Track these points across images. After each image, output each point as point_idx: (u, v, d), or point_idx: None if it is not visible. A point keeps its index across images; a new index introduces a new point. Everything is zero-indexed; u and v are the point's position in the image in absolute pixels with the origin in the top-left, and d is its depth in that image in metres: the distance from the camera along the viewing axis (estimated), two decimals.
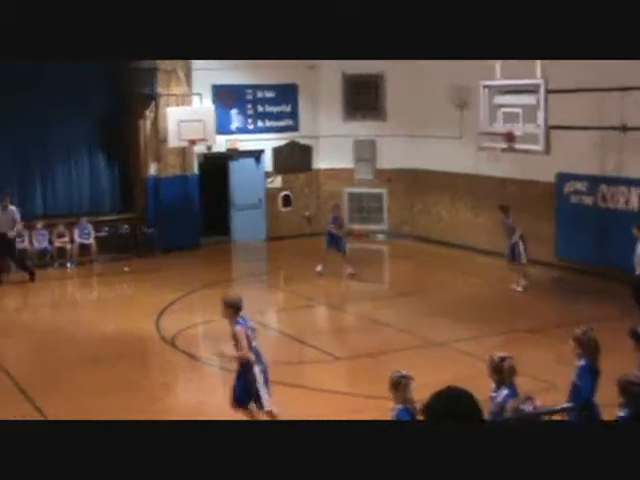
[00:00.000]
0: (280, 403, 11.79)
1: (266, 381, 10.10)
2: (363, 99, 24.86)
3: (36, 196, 22.86)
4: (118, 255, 22.06)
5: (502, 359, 8.16)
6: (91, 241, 22.02)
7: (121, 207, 23.82)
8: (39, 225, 21.74)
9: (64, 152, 23.05)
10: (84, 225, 22.08)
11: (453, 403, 4.03)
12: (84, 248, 21.92)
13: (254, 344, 9.87)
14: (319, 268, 19.55)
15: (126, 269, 20.89)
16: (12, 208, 19.70)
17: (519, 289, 17.76)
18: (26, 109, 21.81)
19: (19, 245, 21.05)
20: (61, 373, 13.18)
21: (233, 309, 9.76)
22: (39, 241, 21.63)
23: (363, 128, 24.55)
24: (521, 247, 17.66)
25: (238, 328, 9.62)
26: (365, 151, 24.87)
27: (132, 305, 17.69)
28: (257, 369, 9.90)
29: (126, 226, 23.08)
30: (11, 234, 19.77)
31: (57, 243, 21.80)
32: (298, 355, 14.50)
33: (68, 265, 21.66)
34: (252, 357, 9.80)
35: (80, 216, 22.33)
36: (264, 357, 10.09)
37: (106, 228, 22.77)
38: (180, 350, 14.46)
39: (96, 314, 17.27)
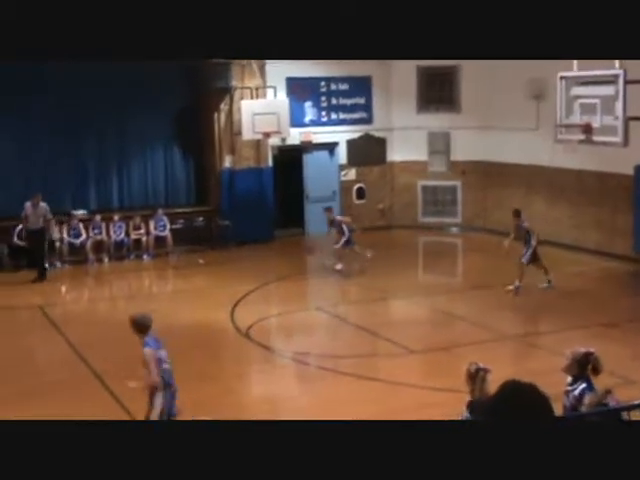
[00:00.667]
0: (355, 396, 11.85)
1: (171, 407, 9.12)
2: (437, 91, 24.73)
3: (113, 189, 23.24)
4: (193, 247, 22.30)
5: (587, 354, 8.01)
6: (166, 233, 22.29)
7: (196, 200, 24.09)
8: (116, 217, 22.07)
9: (141, 145, 23.40)
10: (160, 217, 22.36)
11: (517, 397, 4.00)
12: (160, 240, 22.21)
13: (165, 366, 9.00)
14: (339, 266, 19.71)
15: (201, 261, 21.11)
16: (43, 205, 19.84)
17: (510, 287, 17.19)
18: (105, 103, 22.18)
19: (97, 236, 21.50)
20: (137, 364, 13.38)
21: (138, 328, 8.97)
22: (116, 233, 21.97)
23: (437, 120, 24.42)
24: (531, 249, 17.35)
25: (146, 350, 8.80)
26: (439, 143, 24.74)
27: (207, 297, 17.87)
28: (159, 401, 8.97)
29: (201, 218, 23.32)
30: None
31: (133, 235, 22.12)
32: (372, 348, 14.51)
33: (144, 257, 21.97)
34: (159, 383, 8.90)
35: (156, 208, 22.63)
36: (174, 380, 9.24)
37: (181, 220, 23.03)
38: (254, 342, 14.58)
39: (171, 305, 17.48)
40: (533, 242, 17.41)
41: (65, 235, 21.38)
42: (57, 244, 21.20)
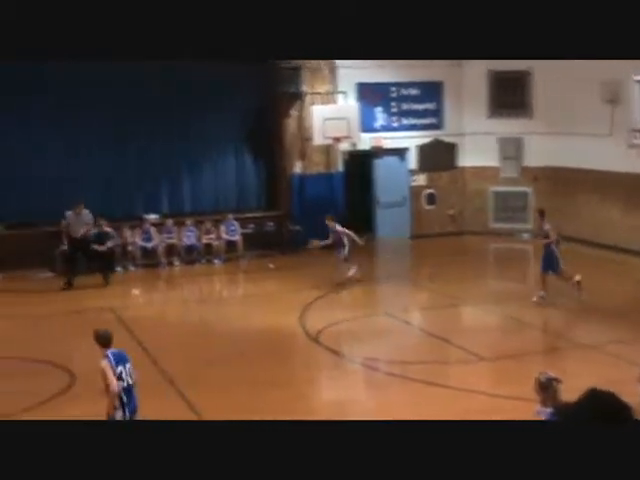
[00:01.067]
0: (422, 401, 11.76)
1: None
2: (509, 96, 24.48)
3: (184, 193, 23.46)
4: (263, 252, 22.40)
5: None
6: (237, 238, 22.42)
7: (266, 204, 24.20)
8: (187, 222, 22.27)
9: (211, 149, 23.59)
10: (230, 222, 22.51)
11: (599, 405, 3.92)
12: (230, 245, 22.36)
13: (124, 383, 8.76)
14: (352, 271, 19.09)
15: (271, 266, 21.19)
16: (86, 212, 19.94)
17: (534, 299, 16.67)
18: (177, 106, 22.44)
19: (169, 240, 21.74)
20: (208, 367, 13.48)
21: (99, 342, 8.96)
22: (187, 237, 22.17)
23: (508, 125, 24.19)
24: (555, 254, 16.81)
25: (103, 364, 8.75)
26: (510, 149, 24.49)
27: (277, 301, 17.92)
28: (118, 416, 8.75)
29: (271, 223, 23.42)
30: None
31: (204, 240, 22.29)
32: (441, 355, 14.39)
33: (215, 261, 22.13)
34: (116, 401, 8.70)
35: (226, 213, 22.78)
36: (135, 398, 8.98)
37: (252, 225, 23.16)
38: (324, 346, 14.57)
39: (242, 310, 17.59)
40: (554, 248, 16.79)
41: (137, 239, 21.66)
42: (129, 248, 21.49)
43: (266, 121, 23.77)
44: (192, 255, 22.20)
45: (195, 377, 12.89)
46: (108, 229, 20.81)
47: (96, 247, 20.24)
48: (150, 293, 20.29)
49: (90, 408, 10.11)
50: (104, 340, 8.87)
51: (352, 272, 19.08)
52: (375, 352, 14.38)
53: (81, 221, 19.88)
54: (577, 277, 16.55)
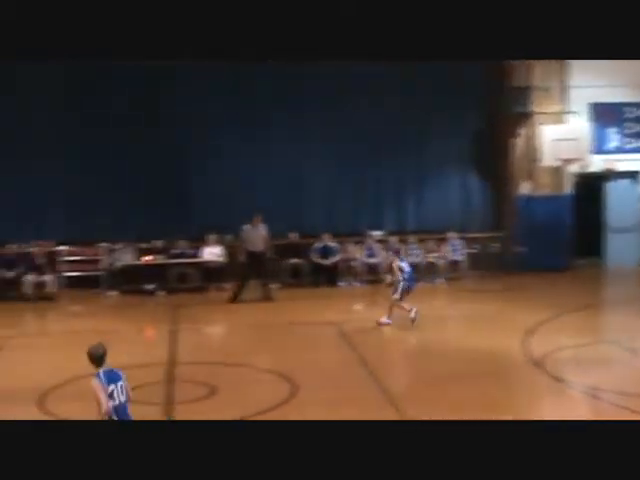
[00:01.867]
0: None
1: None
2: None
3: (409, 211, 23.61)
4: (487, 272, 22.16)
5: None
6: (461, 257, 22.31)
7: (491, 225, 23.94)
8: (411, 239, 22.39)
9: (436, 168, 23.66)
10: (454, 241, 22.42)
11: None
12: (453, 264, 22.26)
13: (115, 402, 8.55)
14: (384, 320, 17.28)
15: (494, 287, 20.97)
16: (263, 226, 19.93)
17: None
18: (410, 125, 22.72)
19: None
20: (429, 387, 13.43)
21: (90, 361, 8.69)
22: (411, 255, 22.26)
23: None
24: None
25: (92, 383, 8.55)
26: None
27: (500, 323, 17.64)
28: None
29: (496, 244, 23.15)
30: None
31: (428, 258, 22.32)
32: None
33: (437, 280, 22.08)
34: (109, 412, 8.49)
35: (450, 232, 22.71)
36: (129, 416, 8.71)
37: (476, 245, 22.97)
38: (546, 372, 14.20)
39: (463, 330, 17.44)
40: None
41: (361, 255, 21.98)
42: (352, 263, 21.84)
43: (491, 141, 23.55)
44: (415, 273, 22.23)
45: (416, 396, 12.85)
46: (332, 244, 21.21)
47: (320, 261, 20.66)
48: (372, 309, 20.47)
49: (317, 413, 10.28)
50: (93, 358, 8.68)
51: (383, 320, 17.28)
52: (599, 381, 13.86)
53: (259, 234, 19.96)
54: None
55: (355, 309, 20.31)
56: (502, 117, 23.27)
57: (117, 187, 22.13)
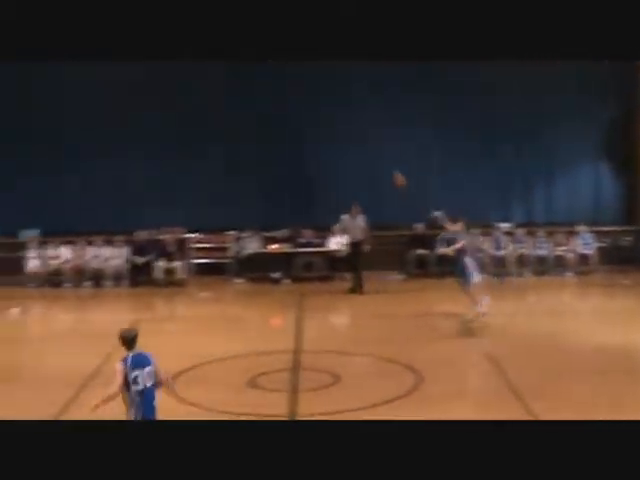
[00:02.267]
0: None
1: None
2: None
3: (537, 203, 23.27)
4: (617, 267, 21.64)
5: None
6: (591, 251, 21.86)
7: (624, 218, 23.34)
8: (539, 232, 22.11)
9: (567, 160, 23.21)
10: (584, 234, 21.99)
11: None
12: (583, 258, 21.84)
13: (139, 387, 8.53)
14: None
15: (626, 282, 20.47)
16: (361, 216, 20.04)
17: None
18: (538, 116, 22.36)
19: (520, 249, 21.62)
20: (555, 382, 13.20)
21: (122, 343, 8.72)
22: (539, 248, 21.96)
23: None
24: None
25: (116, 366, 8.59)
26: None
27: (630, 319, 17.18)
28: (130, 416, 8.57)
29: (628, 238, 22.58)
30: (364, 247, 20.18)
31: (556, 251, 21.96)
32: None
33: (566, 274, 21.70)
34: (121, 394, 8.54)
35: (580, 225, 22.26)
36: (152, 401, 8.67)
37: (607, 239, 22.46)
38: None
39: (593, 325, 17.07)
40: None
41: (488, 247, 21.75)
42: (479, 255, 21.63)
43: (626, 131, 22.95)
44: (543, 266, 21.91)
45: (542, 391, 12.64)
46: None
47: (443, 250, 20.58)
48: (498, 301, 20.20)
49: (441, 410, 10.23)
50: (124, 341, 8.72)
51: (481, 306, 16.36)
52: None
53: (357, 225, 20.19)
54: None
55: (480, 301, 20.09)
56: (637, 107, 22.64)
57: (245, 176, 22.45)
